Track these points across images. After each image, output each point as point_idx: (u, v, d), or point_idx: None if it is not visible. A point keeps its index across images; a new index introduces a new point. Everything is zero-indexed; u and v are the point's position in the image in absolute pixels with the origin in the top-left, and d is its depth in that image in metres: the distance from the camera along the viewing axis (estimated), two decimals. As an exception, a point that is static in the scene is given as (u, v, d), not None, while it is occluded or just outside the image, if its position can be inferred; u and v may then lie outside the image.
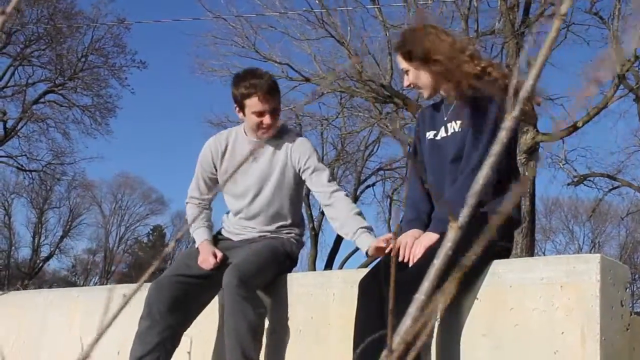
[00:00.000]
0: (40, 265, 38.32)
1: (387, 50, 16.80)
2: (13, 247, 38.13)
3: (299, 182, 3.57)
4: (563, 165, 18.18)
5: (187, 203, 3.78)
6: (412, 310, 0.44)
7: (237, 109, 3.52)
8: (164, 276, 3.48)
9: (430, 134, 3.05)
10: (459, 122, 2.92)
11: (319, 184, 3.45)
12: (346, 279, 3.23)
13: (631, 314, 2.67)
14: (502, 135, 0.46)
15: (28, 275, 35.94)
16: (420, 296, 0.45)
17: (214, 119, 22.28)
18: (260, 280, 3.33)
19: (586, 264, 2.55)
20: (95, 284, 39.94)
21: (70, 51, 26.24)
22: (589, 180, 18.76)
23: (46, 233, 38.48)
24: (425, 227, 2.91)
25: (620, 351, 2.56)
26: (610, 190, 19.31)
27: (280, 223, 3.58)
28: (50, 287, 32.45)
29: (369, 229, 3.29)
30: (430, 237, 2.80)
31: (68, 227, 38.83)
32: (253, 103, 3.42)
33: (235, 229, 3.65)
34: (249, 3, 24.16)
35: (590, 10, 16.05)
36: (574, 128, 15.46)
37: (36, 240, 37.83)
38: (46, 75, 26.88)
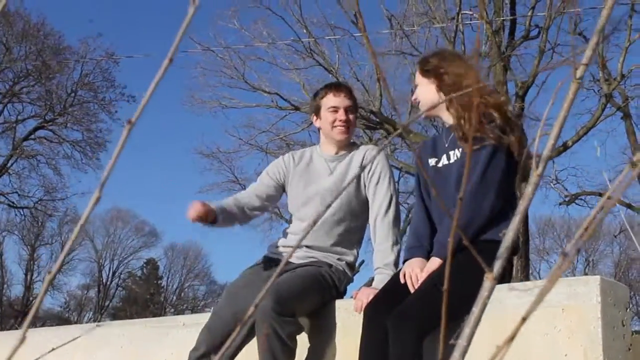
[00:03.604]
0: (33, 302, 38.03)
1: (376, 77, 16.94)
2: (5, 285, 37.88)
3: (367, 203, 3.49)
4: (554, 185, 18.28)
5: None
6: (457, 355, 0.48)
7: (315, 117, 3.61)
8: (216, 312, 3.39)
9: (432, 161, 3.12)
10: (460, 149, 2.99)
11: (376, 199, 3.43)
12: (348, 309, 3.25)
13: (632, 334, 2.71)
14: (529, 191, 0.50)
15: (21, 313, 35.66)
16: (462, 342, 0.48)
17: (205, 150, 22.30)
18: (298, 305, 3.20)
19: (586, 286, 2.58)
20: (89, 320, 39.64)
21: (59, 87, 26.30)
22: (581, 199, 18.85)
23: (38, 270, 38.25)
24: (427, 253, 2.96)
25: (623, 372, 2.59)
26: (602, 208, 19.35)
27: (336, 242, 3.48)
28: (44, 324, 32.21)
29: (387, 268, 3.26)
30: (433, 262, 2.85)
31: (60, 262, 38.59)
32: (327, 100, 3.52)
33: (285, 248, 3.56)
34: (237, 34, 24.30)
35: (574, 31, 16.25)
36: (564, 148, 15.57)
37: (28, 278, 37.62)
38: (36, 112, 26.90)
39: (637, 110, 18.19)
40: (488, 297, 0.50)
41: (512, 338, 0.46)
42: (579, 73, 0.51)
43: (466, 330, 0.49)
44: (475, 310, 0.49)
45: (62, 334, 4.89)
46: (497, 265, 0.50)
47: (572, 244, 0.45)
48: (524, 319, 0.46)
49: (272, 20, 18.69)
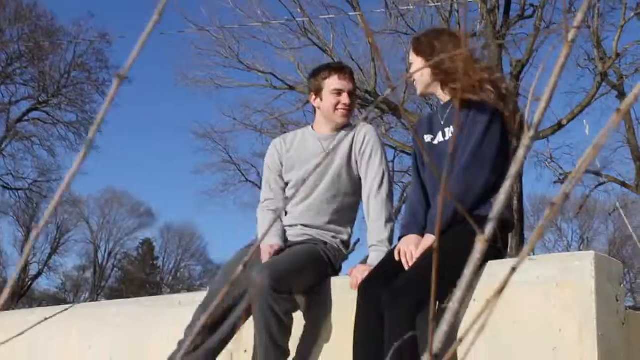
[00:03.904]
0: (30, 283, 38.11)
1: (371, 56, 16.90)
2: (1, 267, 37.92)
3: (360, 181, 3.50)
4: (549, 163, 18.31)
5: (260, 209, 3.65)
6: (448, 317, 0.48)
7: (314, 97, 3.59)
8: (212, 290, 3.43)
9: (428, 138, 3.13)
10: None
11: (368, 175, 3.44)
12: (344, 286, 3.26)
13: (626, 309, 2.73)
14: (520, 154, 0.50)
15: (17, 295, 35.73)
16: (454, 305, 0.48)
17: (200, 130, 22.27)
18: (295, 282, 3.21)
19: (580, 262, 2.60)
20: (85, 300, 39.75)
21: (52, 68, 26.18)
22: (575, 177, 18.82)
23: (34, 251, 38.22)
24: (422, 230, 2.98)
25: (617, 346, 2.61)
26: (597, 186, 19.45)
27: (330, 220, 3.50)
28: (40, 305, 32.26)
29: (381, 245, 3.28)
30: (428, 239, 2.86)
31: (56, 244, 38.65)
32: (332, 81, 3.51)
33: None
34: (231, 13, 24.18)
35: (569, 9, 16.19)
36: (559, 126, 15.59)
37: (24, 259, 37.62)
38: (29, 93, 26.81)
39: (632, 88, 18.13)
40: (480, 259, 0.50)
41: (501, 290, 0.46)
42: (570, 36, 0.51)
43: (458, 293, 0.49)
44: (467, 273, 0.50)
45: (51, 313, 4.90)
46: (489, 227, 0.50)
47: (561, 192, 0.45)
48: (513, 269, 0.46)
49: (267, -1, 18.58)
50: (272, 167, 3.67)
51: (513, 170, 0.49)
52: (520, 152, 0.50)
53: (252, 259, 3.32)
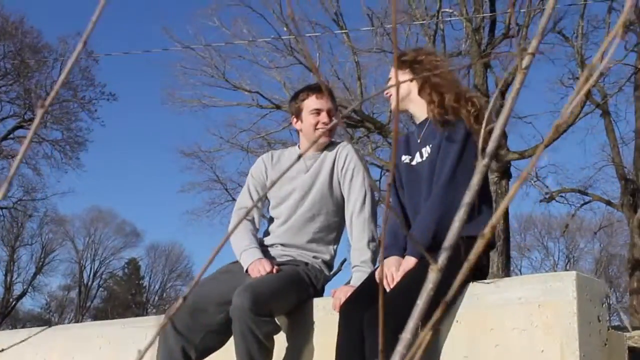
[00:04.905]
0: (13, 303, 37.76)
1: (357, 74, 16.96)
2: (-16, 286, 37.53)
3: (343, 201, 3.50)
4: (535, 182, 18.37)
5: (236, 215, 3.64)
6: (400, 348, 0.47)
7: (295, 119, 3.61)
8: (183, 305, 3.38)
9: (406, 158, 3.12)
10: (431, 145, 3.00)
11: (350, 196, 3.43)
12: (326, 307, 3.25)
13: (608, 329, 2.72)
14: (475, 181, 0.50)
15: (1, 315, 35.37)
16: (406, 335, 0.48)
17: (186, 149, 22.21)
18: (276, 304, 3.18)
19: (562, 282, 2.59)
20: (70, 321, 39.38)
21: (38, 85, 26.08)
22: (561, 196, 18.96)
23: (18, 271, 37.98)
24: (403, 251, 2.96)
25: (599, 367, 2.60)
26: (582, 205, 19.53)
27: (311, 239, 3.49)
28: (24, 326, 31.95)
29: (364, 265, 3.27)
30: (409, 262, 2.84)
31: (41, 263, 38.37)
32: (310, 102, 3.53)
33: (263, 247, 3.54)
34: (217, 32, 24.25)
35: (553, 29, 16.35)
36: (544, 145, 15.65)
37: (8, 279, 37.30)
38: (14, 111, 26.70)
39: (616, 107, 18.35)
40: (433, 289, 0.49)
41: (432, 326, 0.45)
42: (524, 63, 0.51)
43: (410, 324, 0.48)
44: (420, 303, 0.49)
45: (20, 336, 4.85)
46: (442, 257, 0.50)
47: (489, 226, 0.44)
48: (446, 303, 0.46)
49: (253, 18, 18.67)
50: (255, 177, 3.68)
51: (467, 198, 0.48)
52: (475, 180, 0.49)
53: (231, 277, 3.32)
